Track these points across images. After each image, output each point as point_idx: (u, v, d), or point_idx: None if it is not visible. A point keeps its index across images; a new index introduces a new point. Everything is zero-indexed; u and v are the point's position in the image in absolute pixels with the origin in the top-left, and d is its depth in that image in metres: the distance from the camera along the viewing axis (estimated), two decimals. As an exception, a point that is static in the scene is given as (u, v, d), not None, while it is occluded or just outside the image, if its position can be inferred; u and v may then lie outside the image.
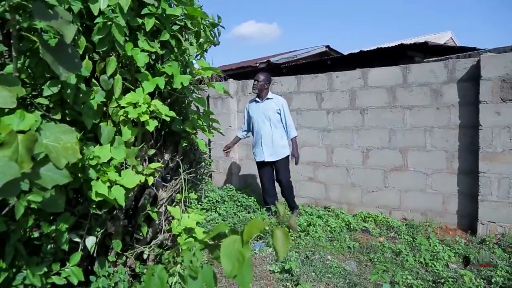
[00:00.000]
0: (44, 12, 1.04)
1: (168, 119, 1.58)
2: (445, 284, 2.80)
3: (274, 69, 8.79)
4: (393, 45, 7.38)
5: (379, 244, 3.68)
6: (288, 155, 4.41)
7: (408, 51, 7.19)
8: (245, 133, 4.67)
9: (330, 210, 4.74)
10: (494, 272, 2.96)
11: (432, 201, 4.26)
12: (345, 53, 9.46)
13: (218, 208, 4.62)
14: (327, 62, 8.01)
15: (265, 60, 9.16)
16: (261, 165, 4.45)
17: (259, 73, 4.43)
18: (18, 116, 1.10)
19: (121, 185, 1.36)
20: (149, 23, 1.57)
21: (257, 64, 9.06)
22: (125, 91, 1.65)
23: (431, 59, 6.08)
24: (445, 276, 2.90)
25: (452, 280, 2.83)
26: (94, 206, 1.40)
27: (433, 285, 2.87)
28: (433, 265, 3.17)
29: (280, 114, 4.34)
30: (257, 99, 4.43)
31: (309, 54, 10.62)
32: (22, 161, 0.97)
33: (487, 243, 3.59)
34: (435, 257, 3.32)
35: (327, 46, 11.31)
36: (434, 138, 4.20)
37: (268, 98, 4.38)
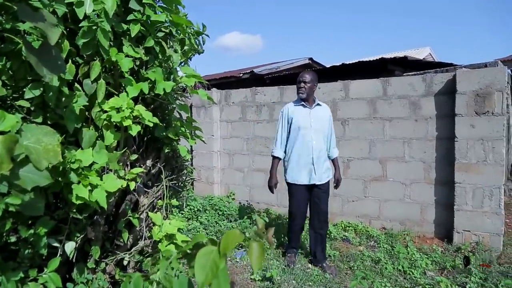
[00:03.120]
0: (30, 14, 1.05)
1: (151, 124, 1.58)
2: (422, 291, 2.86)
3: (257, 80, 8.87)
4: (374, 59, 7.57)
5: (359, 252, 3.73)
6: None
7: (389, 65, 7.40)
8: (281, 150, 3.53)
9: (311, 219, 4.77)
10: (469, 279, 3.04)
11: (410, 211, 4.35)
12: (328, 66, 9.64)
13: (199, 217, 4.59)
14: (310, 73, 8.13)
15: (249, 71, 9.23)
16: (300, 188, 3.39)
17: (304, 73, 3.48)
18: (-2, 117, 1.09)
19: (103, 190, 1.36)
20: (135, 29, 1.58)
21: (241, 75, 9.12)
22: (108, 95, 1.65)
23: (410, 73, 6.26)
24: (422, 283, 2.96)
25: (429, 286, 2.89)
26: (74, 210, 1.38)
27: (411, 292, 2.93)
28: (411, 273, 3.23)
29: (329, 126, 3.54)
30: (304, 103, 3.43)
31: (292, 66, 10.76)
32: (1, 161, 0.96)
33: (463, 251, 3.69)
34: (413, 265, 3.38)
35: (310, 59, 11.49)
36: (413, 149, 4.31)
37: (318, 105, 3.48)
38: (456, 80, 3.93)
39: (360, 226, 4.50)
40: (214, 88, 6.10)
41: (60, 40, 1.43)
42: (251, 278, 2.99)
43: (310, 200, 3.44)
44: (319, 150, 3.38)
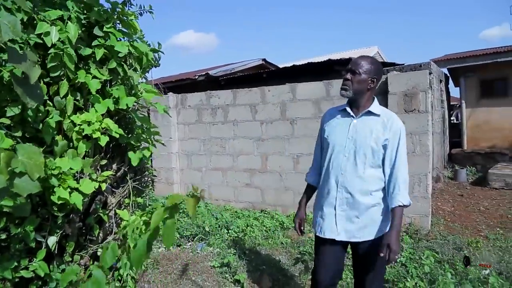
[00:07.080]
0: (17, 57, 1.30)
1: (117, 136, 1.86)
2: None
3: (212, 81, 9.15)
4: (322, 61, 8.11)
5: (308, 238, 4.15)
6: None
7: (336, 66, 7.96)
8: (317, 174, 2.27)
9: (266, 212, 5.17)
10: (400, 254, 3.55)
11: (353, 199, 4.84)
12: (280, 66, 10.12)
13: (161, 216, 4.82)
14: (263, 75, 8.55)
15: (204, 73, 9.47)
16: (324, 242, 2.10)
17: (358, 58, 2.03)
18: (-1, 138, 1.35)
19: (80, 191, 1.63)
20: (99, 53, 1.85)
21: (196, 77, 9.34)
22: (77, 109, 1.90)
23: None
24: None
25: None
26: (56, 209, 1.64)
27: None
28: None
29: (386, 148, 2.02)
30: (349, 108, 2.09)
31: (246, 67, 11.13)
32: (1, 172, 1.24)
33: (397, 232, 4.22)
34: (354, 246, 3.85)
35: (264, 59, 11.92)
36: (353, 144, 4.81)
37: (371, 113, 2.05)
38: (388, 82, 4.47)
39: (310, 216, 4.90)
40: (170, 93, 6.33)
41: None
42: (210, 266, 3.31)
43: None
44: (351, 189, 2.01)
